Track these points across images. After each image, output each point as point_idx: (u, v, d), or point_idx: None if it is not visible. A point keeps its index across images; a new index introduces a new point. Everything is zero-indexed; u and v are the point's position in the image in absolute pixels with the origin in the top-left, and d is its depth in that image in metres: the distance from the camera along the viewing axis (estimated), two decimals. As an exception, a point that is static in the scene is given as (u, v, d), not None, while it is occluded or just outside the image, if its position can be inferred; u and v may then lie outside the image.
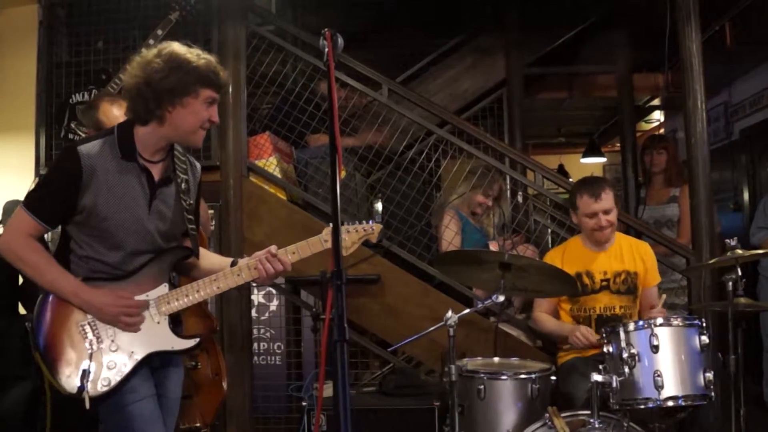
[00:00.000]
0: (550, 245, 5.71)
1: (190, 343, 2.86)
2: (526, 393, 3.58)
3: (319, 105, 5.18)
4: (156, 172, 2.82)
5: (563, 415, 3.41)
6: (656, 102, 9.09)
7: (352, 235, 2.94)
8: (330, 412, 4.05)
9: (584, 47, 7.46)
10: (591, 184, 4.17)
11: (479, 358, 4.03)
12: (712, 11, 5.73)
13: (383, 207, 5.26)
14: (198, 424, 3.71)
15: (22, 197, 5.20)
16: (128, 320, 2.73)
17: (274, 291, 5.72)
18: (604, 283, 4.16)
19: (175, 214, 2.87)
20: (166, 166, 2.85)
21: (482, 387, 3.58)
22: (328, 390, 3.28)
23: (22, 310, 4.76)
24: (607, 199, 4.10)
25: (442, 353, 3.82)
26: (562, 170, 11.26)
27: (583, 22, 7.02)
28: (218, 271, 2.91)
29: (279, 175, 5.03)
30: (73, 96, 5.64)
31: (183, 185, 2.88)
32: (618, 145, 8.94)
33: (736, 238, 3.82)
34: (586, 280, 4.17)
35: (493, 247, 5.14)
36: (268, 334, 5.95)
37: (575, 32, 7.06)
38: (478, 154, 5.13)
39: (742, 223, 7.13)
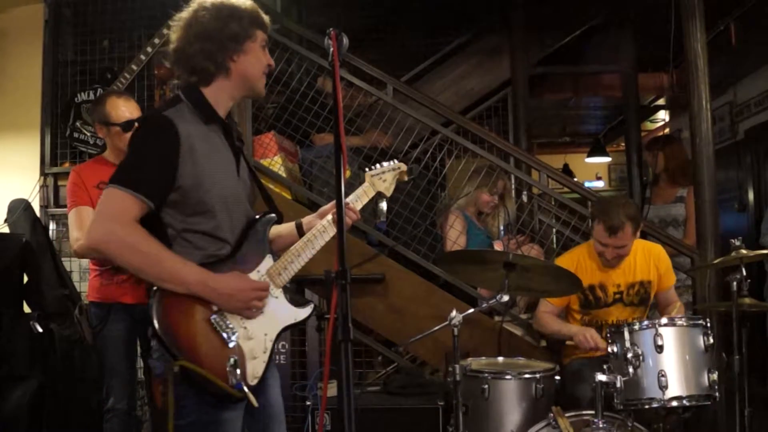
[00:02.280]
0: (554, 245, 5.70)
1: (308, 309, 2.71)
2: (530, 393, 3.58)
3: (324, 104, 5.18)
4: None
5: (567, 415, 3.41)
6: (661, 102, 9.07)
7: (388, 175, 2.94)
8: (334, 411, 4.06)
9: (589, 47, 7.45)
10: (611, 215, 3.95)
11: (483, 357, 4.03)
12: (717, 11, 5.71)
13: (388, 206, 5.26)
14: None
15: (27, 196, 5.30)
16: (260, 305, 2.53)
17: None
18: (617, 296, 4.15)
19: (249, 176, 2.74)
20: (231, 126, 2.68)
21: (486, 387, 3.58)
22: (332, 389, 3.28)
23: (26, 309, 4.78)
24: (623, 236, 3.96)
25: (447, 353, 3.82)
26: (567, 170, 11.25)
27: (588, 22, 7.01)
28: (286, 237, 2.79)
29: (284, 175, 5.03)
30: (78, 95, 5.66)
31: (244, 148, 2.76)
32: (623, 144, 8.92)
33: (740, 238, 3.82)
34: (599, 293, 4.15)
35: (498, 246, 5.13)
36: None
37: (580, 32, 7.05)
38: (483, 154, 5.13)
39: (746, 223, 7.11)
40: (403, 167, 2.98)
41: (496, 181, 5.26)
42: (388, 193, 2.94)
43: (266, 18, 2.68)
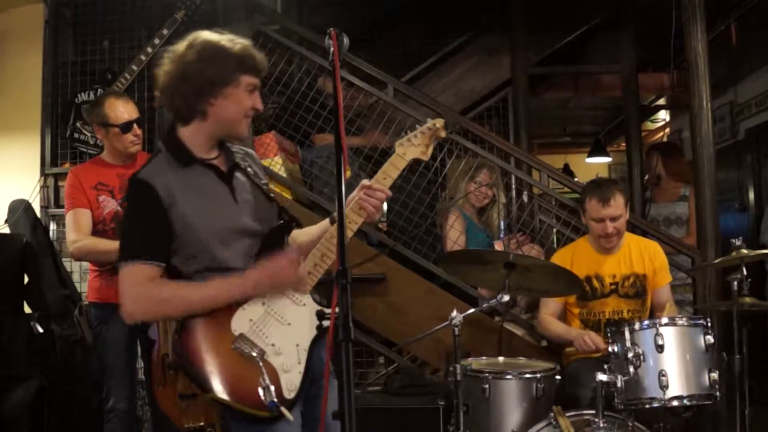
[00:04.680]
0: (555, 245, 5.70)
1: None
2: (530, 393, 3.57)
3: (325, 104, 5.18)
4: (219, 165, 2.64)
5: (568, 414, 3.40)
6: (662, 101, 9.07)
7: (421, 138, 2.79)
8: (335, 411, 4.05)
9: (590, 47, 7.46)
10: (601, 188, 4.08)
11: (484, 357, 4.02)
12: (717, 11, 5.72)
13: (388, 206, 5.26)
14: (202, 423, 3.71)
15: (27, 196, 5.29)
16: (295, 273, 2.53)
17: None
18: (613, 287, 4.15)
19: (256, 197, 2.68)
20: (226, 157, 2.68)
21: (487, 386, 3.57)
22: (333, 389, 3.28)
23: (27, 309, 4.78)
24: (616, 205, 4.03)
25: (447, 353, 3.82)
26: (567, 170, 11.24)
27: (588, 22, 7.01)
28: (318, 236, 2.74)
29: (284, 175, 5.03)
30: (78, 95, 5.66)
31: (249, 170, 2.72)
32: (623, 144, 8.92)
33: (741, 237, 3.82)
34: (596, 284, 4.15)
35: (498, 246, 5.13)
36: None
37: (581, 32, 7.05)
38: (483, 154, 5.13)
39: (747, 223, 7.11)
40: (440, 122, 2.80)
41: (479, 169, 5.22)
42: (426, 157, 2.81)
43: (259, 60, 2.61)
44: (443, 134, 2.84)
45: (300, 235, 2.83)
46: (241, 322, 2.49)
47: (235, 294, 2.48)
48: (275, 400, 2.39)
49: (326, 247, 2.69)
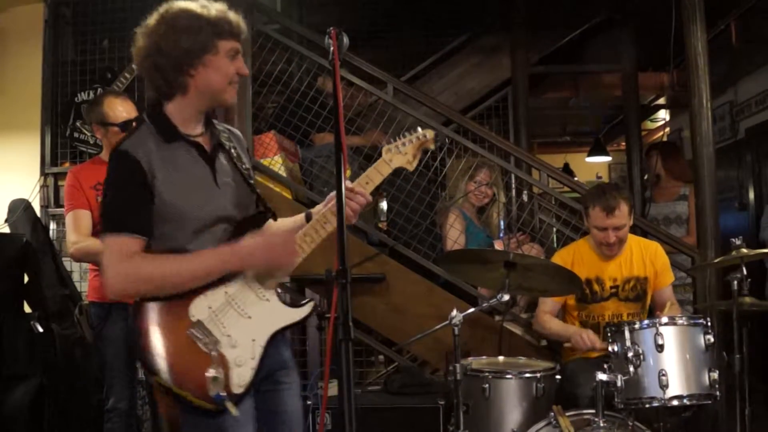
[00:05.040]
0: (555, 244, 5.71)
1: (306, 309, 2.59)
2: (530, 392, 3.58)
3: (325, 104, 5.18)
4: (204, 144, 2.55)
5: (568, 414, 3.40)
6: (662, 101, 9.06)
7: (409, 147, 2.71)
8: (334, 410, 4.06)
9: (590, 46, 7.46)
10: (606, 196, 4.01)
11: (484, 357, 4.02)
12: (717, 10, 5.72)
13: (388, 206, 5.26)
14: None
15: (27, 196, 5.30)
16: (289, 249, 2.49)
17: (278, 289, 5.71)
18: (613, 290, 4.14)
19: (237, 181, 2.60)
20: (211, 135, 2.59)
21: (487, 386, 3.58)
22: (332, 389, 3.28)
23: (27, 309, 4.79)
24: (621, 215, 3.99)
25: (447, 352, 3.82)
26: (567, 169, 11.24)
27: (588, 21, 7.01)
28: (292, 231, 2.63)
29: (284, 174, 5.03)
30: (78, 94, 5.66)
31: (233, 152, 2.63)
32: (623, 144, 8.92)
33: (741, 237, 3.81)
34: (596, 287, 4.15)
35: (498, 246, 5.13)
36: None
37: (581, 31, 7.05)
38: (483, 153, 5.12)
39: (747, 222, 7.12)
40: (429, 134, 2.74)
41: (479, 168, 5.22)
42: (411, 167, 2.74)
43: (236, 23, 2.50)
44: (432, 146, 2.79)
45: (272, 227, 2.74)
46: (200, 308, 2.42)
47: (233, 263, 2.42)
48: (222, 393, 2.34)
49: (311, 235, 2.60)
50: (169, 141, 2.48)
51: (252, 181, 2.69)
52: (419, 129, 2.77)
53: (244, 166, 2.66)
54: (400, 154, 2.73)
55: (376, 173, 2.69)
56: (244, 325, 2.47)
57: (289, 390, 2.67)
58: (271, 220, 2.72)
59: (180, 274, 2.38)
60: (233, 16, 2.51)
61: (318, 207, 2.69)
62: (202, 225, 2.47)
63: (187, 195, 2.45)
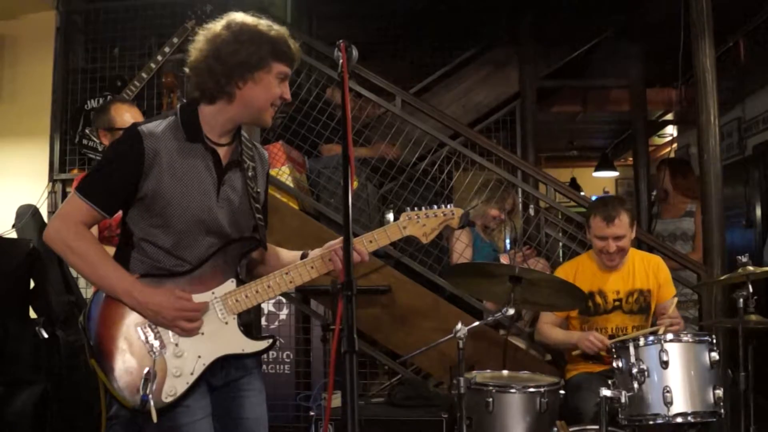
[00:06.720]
0: (561, 259, 5.70)
1: (262, 344, 2.57)
2: (534, 406, 3.56)
3: (333, 115, 5.20)
4: (223, 155, 2.57)
5: (572, 429, 3.40)
6: (669, 117, 9.08)
7: (431, 220, 2.69)
8: (338, 422, 4.05)
9: (598, 61, 7.48)
10: (606, 206, 4.07)
11: (488, 370, 4.01)
12: (726, 27, 5.73)
13: (395, 218, 5.27)
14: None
15: (35, 202, 5.32)
16: (186, 326, 2.45)
17: (284, 300, 5.72)
18: (617, 303, 4.14)
19: (242, 202, 2.61)
20: (234, 149, 2.61)
21: (491, 400, 3.57)
22: (336, 400, 3.27)
23: (32, 314, 4.79)
24: (621, 225, 4.02)
25: (451, 365, 3.81)
26: (574, 184, 11.25)
27: (597, 36, 7.03)
28: (282, 262, 2.68)
29: (291, 185, 5.04)
30: (88, 102, 5.68)
31: (250, 172, 2.64)
32: (630, 159, 8.93)
33: (747, 254, 3.81)
34: (599, 300, 4.15)
35: (504, 260, 5.13)
36: (277, 342, 5.95)
37: (589, 46, 7.07)
38: (490, 167, 5.13)
39: (754, 239, 7.10)
40: (457, 213, 2.71)
41: (505, 197, 5.26)
42: (426, 240, 2.70)
43: (294, 49, 2.57)
44: (455, 225, 2.73)
45: (272, 253, 2.79)
46: None
47: (132, 304, 2.45)
48: (148, 395, 2.37)
49: (274, 280, 2.59)
50: (190, 140, 2.52)
51: (258, 206, 2.68)
52: (449, 206, 2.72)
53: (255, 189, 2.66)
54: (418, 225, 2.70)
55: (384, 236, 2.68)
56: (195, 339, 2.48)
57: (252, 397, 2.68)
58: (278, 249, 2.79)
59: (94, 271, 2.46)
60: (293, 43, 2.57)
61: (315, 251, 2.68)
62: (187, 230, 2.50)
63: (181, 194, 2.49)
